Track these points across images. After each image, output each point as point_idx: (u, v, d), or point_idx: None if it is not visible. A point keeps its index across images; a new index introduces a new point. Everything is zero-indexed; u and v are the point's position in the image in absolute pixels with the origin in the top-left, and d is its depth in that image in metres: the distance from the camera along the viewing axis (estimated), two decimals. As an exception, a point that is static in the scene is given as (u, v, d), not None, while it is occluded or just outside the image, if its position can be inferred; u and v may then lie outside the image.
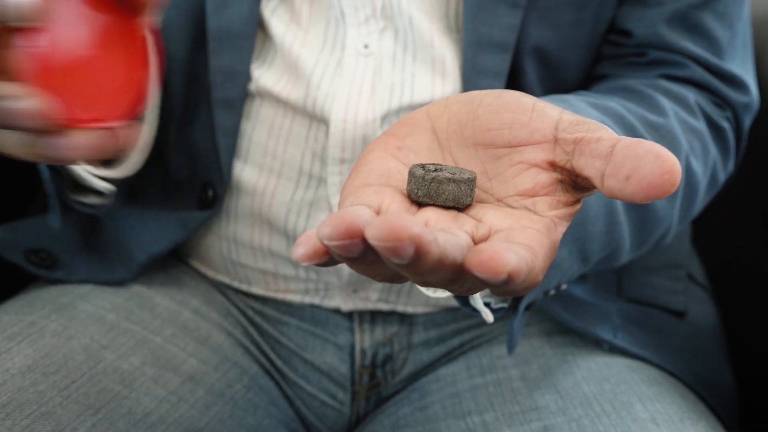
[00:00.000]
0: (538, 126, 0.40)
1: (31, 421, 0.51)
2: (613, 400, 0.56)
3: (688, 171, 0.58)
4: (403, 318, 0.68)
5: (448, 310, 0.68)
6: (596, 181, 0.37)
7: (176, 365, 0.62)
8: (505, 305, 0.53)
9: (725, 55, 0.63)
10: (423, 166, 0.40)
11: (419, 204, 0.40)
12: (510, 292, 0.34)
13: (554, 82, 0.63)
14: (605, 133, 0.37)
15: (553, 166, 0.39)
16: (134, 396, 0.57)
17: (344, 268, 0.63)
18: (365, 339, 0.67)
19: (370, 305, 0.66)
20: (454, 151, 0.42)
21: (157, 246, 0.65)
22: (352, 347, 0.68)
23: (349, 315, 0.68)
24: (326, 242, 0.32)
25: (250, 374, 0.66)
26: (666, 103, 0.59)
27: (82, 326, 0.59)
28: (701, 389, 0.64)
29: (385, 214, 0.32)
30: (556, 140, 0.39)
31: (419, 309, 0.67)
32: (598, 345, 0.63)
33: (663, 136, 0.57)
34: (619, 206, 0.53)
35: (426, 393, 0.65)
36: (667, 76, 0.63)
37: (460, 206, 0.40)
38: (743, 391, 0.72)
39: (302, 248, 0.34)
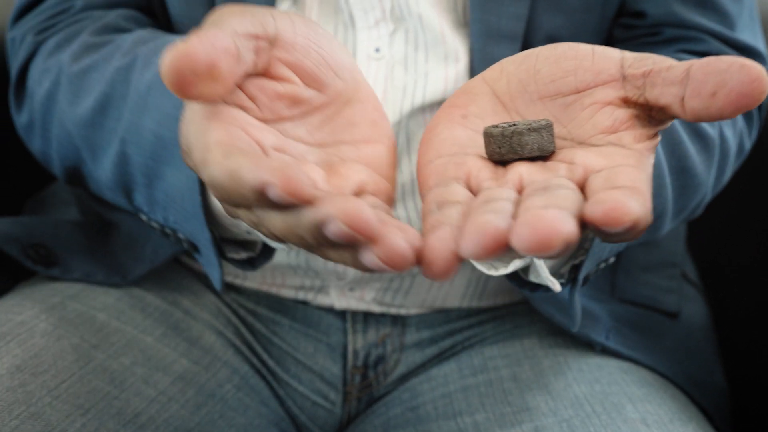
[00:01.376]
0: (602, 67, 0.40)
1: (20, 422, 0.51)
2: (603, 401, 0.56)
3: (722, 137, 0.59)
4: (396, 319, 0.68)
5: (441, 311, 0.68)
6: (676, 108, 0.37)
7: (167, 365, 0.61)
8: (562, 280, 0.52)
9: (737, 27, 0.63)
10: (496, 126, 0.40)
11: (503, 163, 0.39)
12: (626, 239, 0.33)
13: None
14: (674, 62, 0.37)
15: (626, 102, 0.39)
16: (124, 396, 0.57)
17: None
18: (358, 340, 0.67)
19: (364, 305, 0.66)
20: (520, 110, 0.42)
21: (156, 258, 0.65)
22: (345, 348, 0.67)
23: (342, 315, 0.68)
24: (469, 257, 0.31)
25: (241, 374, 0.66)
26: None
27: (72, 326, 0.59)
28: (692, 390, 0.63)
29: (522, 216, 0.31)
30: (624, 77, 0.39)
31: (413, 311, 0.67)
32: (590, 346, 0.63)
33: None
34: (665, 168, 0.53)
35: (417, 393, 0.65)
36: (685, 50, 0.63)
37: (546, 154, 0.39)
38: (735, 391, 0.72)
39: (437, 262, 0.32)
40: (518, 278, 0.53)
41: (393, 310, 0.67)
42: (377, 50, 0.60)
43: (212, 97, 0.34)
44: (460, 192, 0.37)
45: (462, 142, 0.41)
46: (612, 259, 0.57)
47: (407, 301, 0.66)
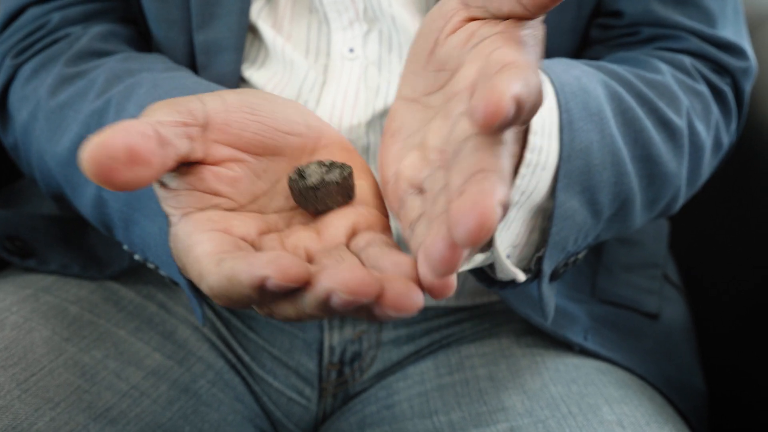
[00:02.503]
0: (446, 9, 0.40)
1: None
2: (580, 402, 0.56)
3: (692, 129, 0.58)
4: (373, 316, 0.67)
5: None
6: (519, 11, 0.37)
7: (139, 359, 0.61)
8: (529, 275, 0.52)
9: (718, 24, 0.62)
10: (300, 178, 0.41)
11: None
12: (526, 118, 0.32)
13: None
14: None
15: (474, 20, 0.39)
16: (95, 390, 0.56)
17: None
18: (334, 336, 0.67)
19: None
20: (421, 89, 0.42)
21: (133, 259, 0.64)
22: (321, 344, 0.67)
23: (319, 311, 0.67)
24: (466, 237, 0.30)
25: (216, 369, 0.65)
26: (662, 65, 0.59)
27: (44, 318, 0.58)
28: (671, 392, 0.63)
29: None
30: (465, 4, 0.39)
31: None
32: (569, 347, 0.63)
33: (662, 92, 0.56)
34: (625, 155, 0.52)
35: (393, 391, 0.64)
36: (663, 48, 0.62)
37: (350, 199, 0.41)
38: (714, 393, 0.72)
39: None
40: (486, 278, 0.52)
41: None
42: (351, 50, 0.60)
43: (141, 182, 0.34)
44: (416, 204, 0.38)
45: (398, 157, 0.41)
46: (582, 254, 0.56)
47: None
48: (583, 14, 0.62)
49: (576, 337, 0.62)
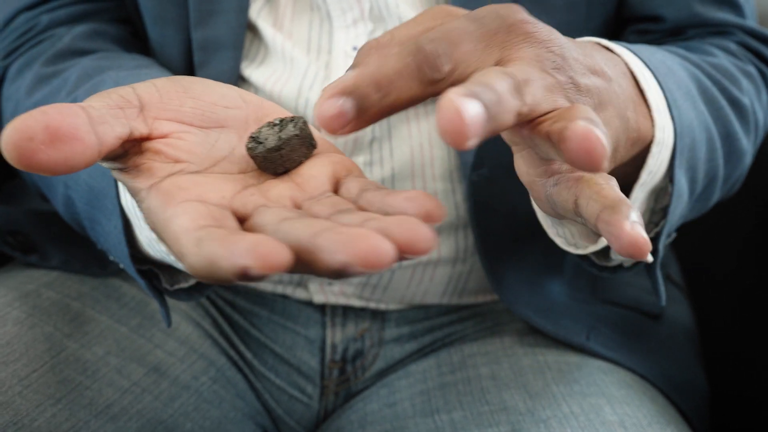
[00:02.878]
0: None
1: None
2: (582, 402, 0.56)
3: (753, 108, 0.59)
4: (376, 314, 0.67)
5: (421, 307, 0.67)
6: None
7: (141, 356, 0.61)
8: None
9: (747, 18, 0.64)
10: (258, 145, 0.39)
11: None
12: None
13: None
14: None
15: None
16: (96, 386, 0.56)
17: None
18: (336, 333, 0.67)
19: (343, 300, 0.66)
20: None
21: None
22: (323, 341, 0.67)
23: (321, 309, 0.67)
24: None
25: (217, 366, 0.65)
26: (714, 49, 0.60)
27: (45, 314, 0.58)
28: (673, 393, 0.63)
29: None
30: None
31: (392, 306, 0.67)
32: (571, 346, 0.63)
33: (724, 73, 0.57)
34: (714, 132, 0.53)
35: (395, 390, 0.64)
36: (715, 45, 0.63)
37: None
38: (716, 393, 0.72)
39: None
40: (592, 263, 0.53)
41: (372, 305, 0.66)
42: (355, 48, 0.60)
43: (74, 160, 0.34)
44: None
45: None
46: (673, 235, 0.56)
47: (386, 296, 0.65)
48: (594, 14, 0.62)
49: (578, 337, 0.62)
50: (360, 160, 0.61)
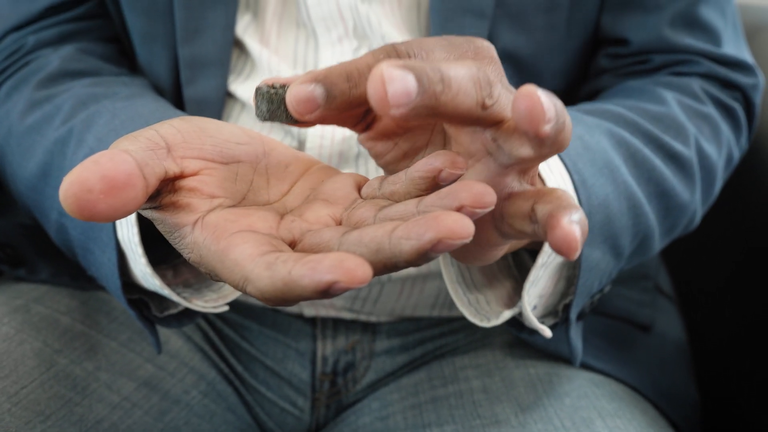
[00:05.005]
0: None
1: None
2: (573, 416, 0.56)
3: (701, 154, 0.59)
4: (366, 326, 0.67)
5: (412, 319, 0.67)
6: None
7: (131, 370, 0.60)
8: (556, 320, 0.53)
9: (723, 42, 0.64)
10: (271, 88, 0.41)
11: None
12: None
13: None
14: None
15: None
16: (86, 402, 0.56)
17: None
18: (327, 346, 0.66)
19: (333, 312, 0.65)
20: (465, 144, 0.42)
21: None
22: (314, 354, 0.67)
23: (312, 321, 0.67)
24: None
25: (208, 380, 0.65)
26: (667, 93, 0.60)
27: (35, 330, 0.58)
28: (664, 404, 0.63)
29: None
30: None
31: (383, 318, 0.67)
32: (561, 358, 0.63)
33: (668, 125, 0.58)
34: (641, 197, 0.54)
35: (387, 403, 0.64)
36: (674, 73, 0.63)
37: None
38: (706, 403, 0.72)
39: None
40: (516, 323, 0.54)
41: (363, 317, 0.66)
42: None
43: (129, 205, 0.35)
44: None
45: None
46: (607, 288, 0.57)
47: (376, 309, 0.65)
48: (575, 34, 0.62)
49: (567, 350, 0.62)
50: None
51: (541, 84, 0.63)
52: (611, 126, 0.55)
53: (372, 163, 0.61)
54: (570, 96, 0.66)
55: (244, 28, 0.62)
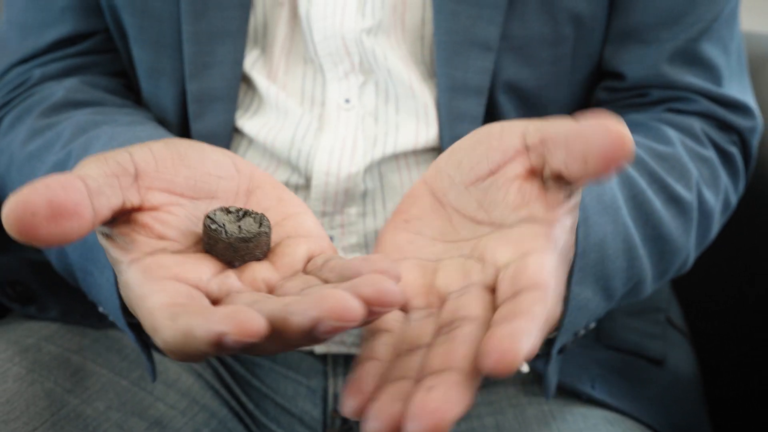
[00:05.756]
0: (508, 143, 0.40)
1: None
2: (588, 455, 0.55)
3: (701, 199, 0.59)
4: (378, 362, 0.66)
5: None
6: (565, 174, 0.37)
7: (142, 410, 0.60)
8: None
9: (724, 81, 0.63)
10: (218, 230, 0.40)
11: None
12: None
13: None
14: (566, 124, 0.37)
15: (533, 173, 0.39)
16: (98, 443, 0.56)
17: None
18: (338, 383, 0.66)
19: (344, 349, 0.65)
20: (453, 203, 0.42)
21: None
22: (325, 391, 0.66)
23: (323, 358, 0.66)
24: None
25: (219, 418, 0.64)
26: (672, 132, 0.59)
27: (46, 369, 0.58)
28: (678, 441, 0.63)
29: (412, 404, 0.31)
30: (527, 147, 0.39)
31: None
32: (576, 395, 0.62)
33: (672, 165, 0.57)
34: (637, 240, 0.53)
35: (399, 440, 0.63)
36: (672, 110, 0.63)
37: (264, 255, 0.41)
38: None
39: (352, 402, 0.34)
40: None
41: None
42: (347, 101, 0.60)
43: (71, 234, 0.34)
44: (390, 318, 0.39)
45: (402, 246, 0.43)
46: (592, 325, 0.56)
47: None
48: (580, 66, 0.62)
49: (584, 386, 0.61)
50: (353, 211, 0.61)
51: (546, 116, 0.63)
52: None
53: (379, 201, 0.61)
54: None
55: (252, 63, 0.62)
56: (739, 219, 0.76)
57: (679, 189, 0.57)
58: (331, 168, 0.59)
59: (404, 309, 0.39)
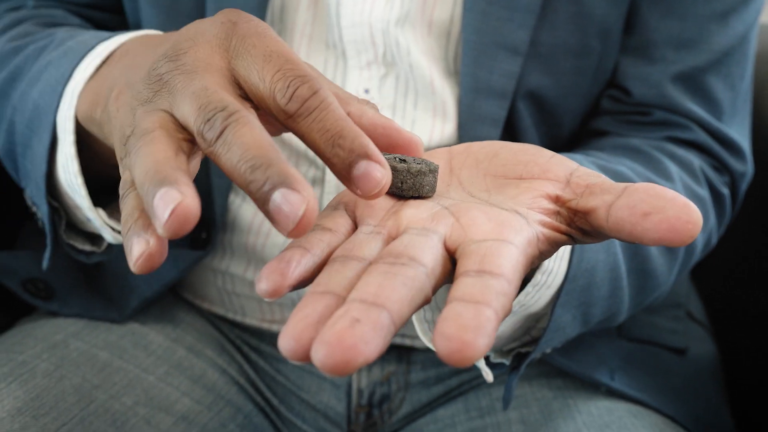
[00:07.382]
0: (553, 168, 0.39)
1: None
2: (614, 448, 0.55)
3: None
4: (401, 356, 0.67)
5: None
6: (601, 213, 0.35)
7: (169, 405, 0.60)
8: (506, 361, 0.52)
9: (725, 117, 0.64)
10: (402, 160, 0.39)
11: (398, 196, 0.39)
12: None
13: (550, 127, 0.63)
14: (620, 185, 0.37)
15: (557, 200, 0.38)
16: (126, 438, 0.56)
17: None
18: (362, 378, 0.66)
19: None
20: (462, 178, 0.41)
21: (149, 289, 0.64)
22: (349, 386, 0.66)
23: (346, 353, 0.66)
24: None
25: (245, 413, 0.65)
26: (673, 167, 0.59)
27: (74, 365, 0.58)
28: (700, 432, 0.63)
29: (325, 331, 0.29)
30: (568, 182, 0.38)
31: (417, 342, 0.66)
32: (594, 386, 0.62)
33: None
34: (623, 271, 0.53)
35: (424, 435, 0.64)
36: (671, 138, 0.63)
37: (432, 194, 0.40)
38: (741, 430, 0.72)
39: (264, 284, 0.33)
40: None
41: (397, 340, 0.66)
42: (366, 91, 0.60)
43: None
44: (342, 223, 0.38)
45: None
46: (549, 350, 0.56)
47: (409, 329, 0.65)
48: (599, 80, 0.63)
49: (603, 377, 0.61)
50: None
51: (561, 124, 0.63)
52: None
53: None
54: (578, 134, 0.66)
55: None
56: (761, 212, 0.76)
57: None
58: None
59: (356, 222, 0.38)
